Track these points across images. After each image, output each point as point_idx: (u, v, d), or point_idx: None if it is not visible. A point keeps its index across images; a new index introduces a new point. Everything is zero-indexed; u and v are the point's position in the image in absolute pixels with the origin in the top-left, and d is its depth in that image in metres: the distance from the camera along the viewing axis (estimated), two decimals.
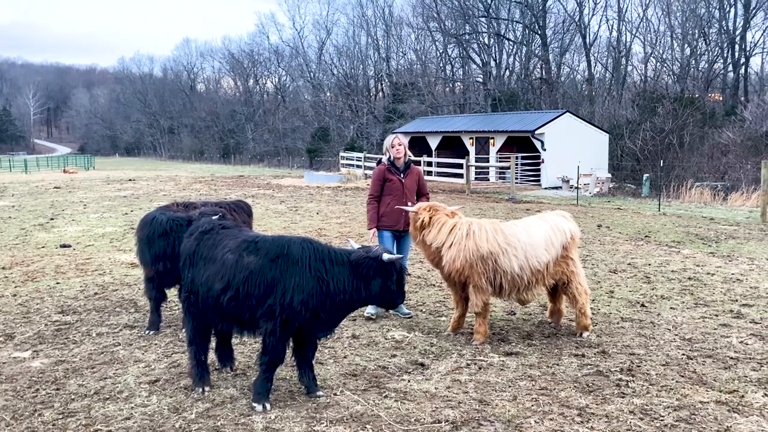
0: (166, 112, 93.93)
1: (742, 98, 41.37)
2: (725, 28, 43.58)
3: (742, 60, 43.94)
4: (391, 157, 7.31)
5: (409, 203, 7.20)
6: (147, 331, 6.75)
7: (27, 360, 5.94)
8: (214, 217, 5.47)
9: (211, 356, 5.46)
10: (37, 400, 5.02)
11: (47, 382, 5.37)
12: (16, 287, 8.86)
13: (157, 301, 6.82)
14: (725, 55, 43.97)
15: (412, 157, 7.51)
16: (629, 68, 49.01)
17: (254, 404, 4.79)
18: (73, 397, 5.07)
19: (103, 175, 40.06)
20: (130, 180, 33.20)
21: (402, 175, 7.28)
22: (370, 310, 7.39)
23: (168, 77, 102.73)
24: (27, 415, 4.75)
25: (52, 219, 16.50)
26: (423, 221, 6.47)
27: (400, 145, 7.26)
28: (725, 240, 12.95)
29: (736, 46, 43.56)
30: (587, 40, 49.03)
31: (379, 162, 7.55)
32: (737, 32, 43.27)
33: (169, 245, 6.38)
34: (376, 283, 4.74)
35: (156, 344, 6.39)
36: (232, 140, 75.14)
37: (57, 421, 4.64)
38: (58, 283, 9.12)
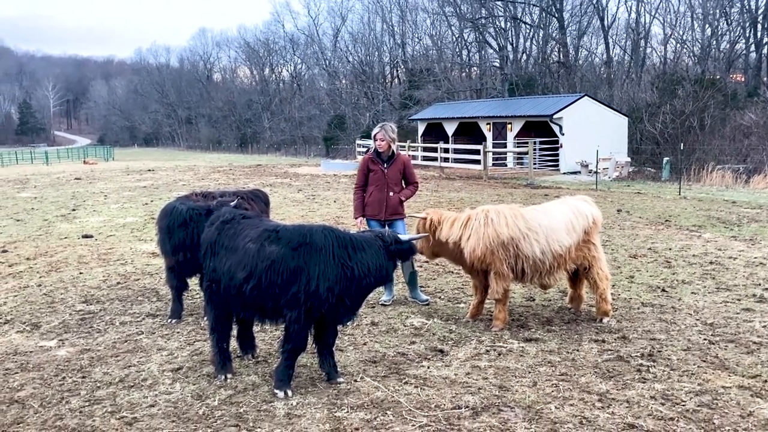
0: (183, 103, 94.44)
1: (765, 79, 40.61)
2: (747, 7, 42.66)
3: (765, 39, 43.01)
4: (377, 148, 7.29)
5: (391, 193, 7.21)
6: (169, 320, 6.84)
7: (53, 349, 6.06)
8: (231, 203, 5.52)
9: (233, 344, 5.53)
10: (63, 387, 5.12)
11: (73, 370, 5.48)
12: (40, 277, 9.02)
13: (178, 290, 6.90)
14: (747, 35, 43.10)
15: (396, 146, 7.41)
16: (648, 50, 48.35)
17: (276, 391, 4.85)
18: (98, 384, 5.16)
19: (123, 165, 40.47)
20: (149, 170, 33.50)
21: (385, 165, 7.24)
22: (385, 297, 7.44)
23: (185, 67, 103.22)
24: (54, 402, 4.85)
25: (73, 210, 16.73)
26: (431, 222, 6.48)
27: (381, 140, 7.17)
28: (747, 223, 12.78)
29: (759, 26, 42.65)
30: (605, 23, 48.35)
31: (368, 150, 7.53)
32: (760, 11, 42.35)
33: (188, 235, 6.44)
34: (392, 263, 4.99)
35: (178, 332, 6.47)
36: (249, 129, 75.37)
37: (84, 408, 4.73)
38: (81, 273, 9.27)
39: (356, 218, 7.43)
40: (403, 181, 7.41)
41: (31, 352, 5.98)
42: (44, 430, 4.40)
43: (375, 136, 7.24)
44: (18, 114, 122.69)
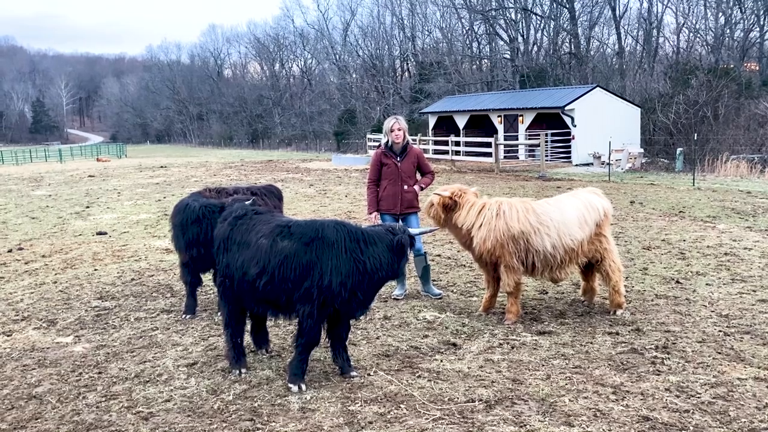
0: (194, 99, 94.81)
1: None
2: None
3: None
4: (389, 141, 7.20)
5: (405, 186, 7.16)
6: (184, 315, 6.89)
7: (69, 345, 6.12)
8: (247, 203, 5.54)
9: (247, 339, 5.56)
10: (80, 383, 5.18)
11: (89, 366, 5.53)
12: (56, 274, 9.11)
13: (192, 285, 6.95)
14: (762, 22, 42.49)
15: (409, 139, 7.36)
16: (661, 40, 47.81)
17: (290, 385, 4.88)
18: (114, 380, 5.21)
19: (135, 162, 40.71)
20: (161, 167, 33.68)
21: (398, 159, 7.17)
22: (397, 291, 7.44)
23: (195, 64, 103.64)
24: (71, 398, 4.91)
25: (87, 207, 16.87)
26: (447, 204, 6.46)
27: (399, 130, 7.08)
28: (763, 214, 12.66)
29: None
30: (617, 12, 47.85)
31: (380, 145, 7.46)
32: None
33: (202, 231, 6.49)
34: (405, 257, 4.98)
35: (193, 328, 6.52)
36: (260, 125, 75.56)
37: (100, 403, 4.78)
38: (96, 269, 9.35)
39: (370, 213, 7.37)
40: (418, 174, 7.37)
41: (47, 348, 6.05)
42: (62, 426, 4.46)
43: (391, 127, 7.10)
44: (31, 112, 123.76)
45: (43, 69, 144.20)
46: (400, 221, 7.13)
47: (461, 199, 6.46)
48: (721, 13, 42.72)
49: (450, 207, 6.48)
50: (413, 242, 5.18)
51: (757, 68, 41.80)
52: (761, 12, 42.09)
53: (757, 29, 42.73)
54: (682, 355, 5.38)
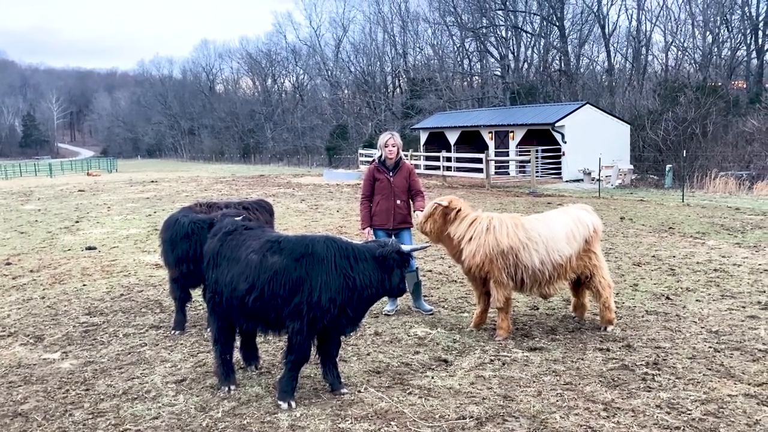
0: (186, 114, 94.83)
1: (767, 85, 40.57)
2: (748, 14, 42.72)
3: (766, 46, 43.05)
4: (383, 156, 7.26)
5: (398, 201, 7.19)
6: (173, 331, 6.84)
7: (57, 361, 6.05)
8: (237, 219, 5.52)
9: (236, 355, 5.52)
10: (67, 400, 5.11)
11: (77, 383, 5.47)
12: (44, 290, 9.02)
13: (181, 301, 6.91)
14: (749, 41, 43.11)
15: (402, 155, 7.41)
16: (650, 58, 48.37)
17: (279, 402, 4.84)
18: (102, 397, 5.15)
19: (126, 177, 40.55)
20: (152, 182, 33.56)
21: (391, 174, 7.23)
22: (388, 307, 7.42)
23: (187, 79, 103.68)
24: (58, 415, 4.84)
25: (77, 222, 16.76)
26: (450, 211, 6.47)
27: (394, 146, 7.17)
28: (751, 230, 12.75)
29: (760, 32, 42.71)
30: (606, 31, 48.44)
31: (373, 160, 7.50)
32: (760, 18, 42.37)
33: (191, 247, 6.46)
34: (397, 273, 4.89)
35: (182, 344, 6.46)
36: (252, 140, 75.61)
37: (87, 421, 4.72)
38: (84, 285, 9.27)
39: (363, 229, 7.38)
40: (408, 190, 7.38)
41: (34, 364, 5.98)
42: None
43: (386, 142, 7.18)
44: (22, 126, 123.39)
45: (34, 83, 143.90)
46: (393, 237, 7.11)
47: (455, 211, 6.48)
48: (708, 32, 43.32)
49: (450, 218, 6.49)
50: (408, 259, 5.14)
51: (745, 86, 42.32)
52: (748, 31, 42.71)
53: (744, 48, 43.35)
54: (672, 371, 5.39)
